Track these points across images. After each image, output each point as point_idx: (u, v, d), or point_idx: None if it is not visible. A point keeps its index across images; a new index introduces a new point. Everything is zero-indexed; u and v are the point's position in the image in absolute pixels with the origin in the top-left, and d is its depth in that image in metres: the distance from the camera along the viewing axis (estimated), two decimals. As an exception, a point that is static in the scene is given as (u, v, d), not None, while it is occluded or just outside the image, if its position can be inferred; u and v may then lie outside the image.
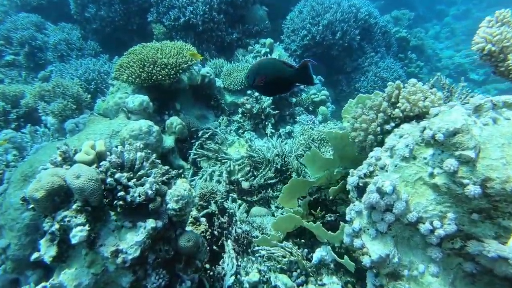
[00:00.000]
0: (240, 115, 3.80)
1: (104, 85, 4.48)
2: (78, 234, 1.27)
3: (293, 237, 2.05)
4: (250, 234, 2.23)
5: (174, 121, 2.81)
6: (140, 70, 2.86)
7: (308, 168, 1.98)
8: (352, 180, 1.24)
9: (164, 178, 1.62)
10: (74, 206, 1.30)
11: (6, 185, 2.28)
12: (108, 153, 1.61)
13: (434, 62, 10.20)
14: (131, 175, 1.48)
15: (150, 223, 1.42)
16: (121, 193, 1.37)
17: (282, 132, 3.96)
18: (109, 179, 1.37)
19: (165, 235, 1.57)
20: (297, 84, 1.51)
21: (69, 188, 1.31)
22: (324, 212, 1.98)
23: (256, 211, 2.49)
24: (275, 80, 1.48)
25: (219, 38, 5.09)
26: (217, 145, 2.82)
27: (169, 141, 2.80)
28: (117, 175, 1.38)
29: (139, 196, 1.40)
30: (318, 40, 6.37)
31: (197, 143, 2.91)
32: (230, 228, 2.35)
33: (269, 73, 1.48)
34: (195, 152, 2.80)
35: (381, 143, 1.37)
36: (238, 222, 2.33)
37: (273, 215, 2.56)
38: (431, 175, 1.10)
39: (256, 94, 3.75)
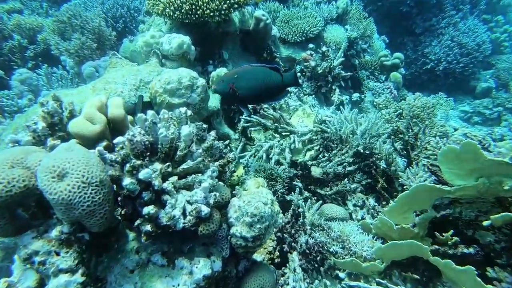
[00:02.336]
0: (298, 74, 3.00)
1: (134, 25, 3.74)
2: (59, 294, 0.60)
3: (399, 268, 1.36)
4: (325, 248, 1.55)
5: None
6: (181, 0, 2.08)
7: (444, 168, 1.22)
8: None
9: (217, 164, 0.92)
10: (55, 233, 0.63)
11: (-4, 143, 1.67)
12: (129, 118, 0.91)
13: (512, 30, 8.62)
14: (169, 169, 0.77)
15: (201, 267, 0.74)
16: (150, 210, 0.68)
17: (345, 100, 3.14)
18: (127, 181, 0.67)
19: (221, 274, 0.89)
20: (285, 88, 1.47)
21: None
22: (455, 238, 1.25)
23: (330, 210, 1.78)
24: (264, 87, 1.40)
25: (272, -24, 4.13)
26: (277, 112, 2.08)
27: (213, 100, 2.08)
28: (144, 173, 0.68)
29: (185, 215, 0.71)
30: (386, -10, 5.28)
31: (250, 107, 2.17)
32: (296, 234, 1.68)
33: (255, 80, 1.39)
34: (248, 118, 2.07)
35: None
36: (308, 227, 1.64)
37: (350, 216, 1.86)
38: None
39: (324, 48, 2.90)
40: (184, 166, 0.79)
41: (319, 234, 1.59)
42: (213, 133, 0.88)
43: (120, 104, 0.84)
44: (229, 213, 0.85)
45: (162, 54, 2.06)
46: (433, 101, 2.29)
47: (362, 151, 1.97)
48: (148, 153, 0.79)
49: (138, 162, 0.70)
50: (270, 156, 1.99)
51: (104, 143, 0.80)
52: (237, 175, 2.14)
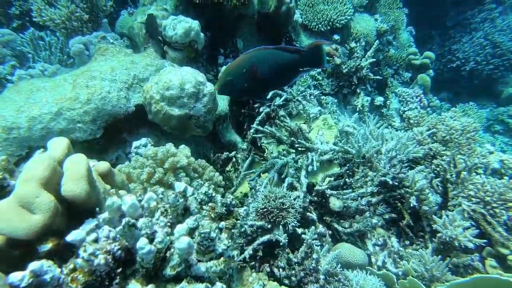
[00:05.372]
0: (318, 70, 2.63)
1: (137, -10, 3.29)
2: None
3: None
4: (341, 307, 1.29)
5: (235, 72, 1.71)
6: (193, -27, 1.69)
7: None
8: None
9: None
10: None
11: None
12: (101, 168, 0.60)
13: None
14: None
15: None
16: None
17: (364, 103, 2.78)
18: None
19: None
20: (303, 69, 1.31)
21: None
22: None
23: (349, 253, 1.52)
24: (275, 72, 1.27)
25: None
26: (296, 124, 1.75)
27: (221, 102, 1.75)
28: None
29: None
30: (420, -27, 4.77)
31: (263, 111, 1.84)
32: (305, 278, 1.41)
33: (266, 66, 1.25)
34: (261, 128, 1.74)
35: None
36: (322, 276, 1.37)
37: (369, 258, 1.59)
38: None
39: (353, 44, 2.52)
40: (175, 293, 0.49)
41: (335, 289, 1.33)
42: (225, 240, 0.57)
43: (82, 174, 0.52)
44: None
45: (165, 40, 1.69)
46: (475, 124, 1.96)
47: (390, 182, 1.67)
48: (119, 270, 0.48)
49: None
50: (282, 176, 1.69)
51: (48, 246, 0.49)
52: (241, 192, 1.86)
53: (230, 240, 0.60)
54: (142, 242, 0.48)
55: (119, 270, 0.48)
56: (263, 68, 1.27)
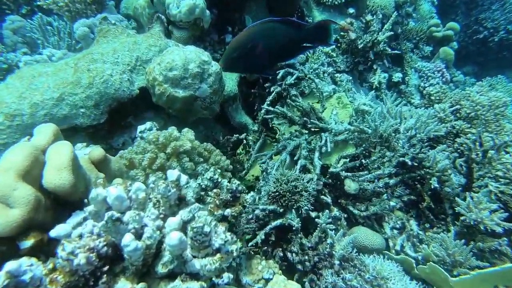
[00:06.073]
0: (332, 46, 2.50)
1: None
2: None
3: None
4: (358, 294, 1.24)
5: (243, 50, 1.63)
6: None
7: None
8: None
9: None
10: None
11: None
12: (95, 155, 0.56)
13: None
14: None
15: None
16: None
17: (381, 80, 2.63)
18: None
19: None
20: (307, 45, 1.33)
21: None
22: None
23: (365, 238, 1.46)
24: (279, 46, 1.27)
25: None
26: (309, 103, 1.66)
27: (230, 82, 1.68)
28: None
29: None
30: None
31: (274, 91, 1.76)
32: (319, 263, 1.37)
33: (271, 40, 1.24)
34: (271, 109, 1.67)
35: None
36: (337, 261, 1.32)
37: (387, 244, 1.53)
38: None
39: (369, 17, 2.36)
40: (168, 292, 0.45)
41: (350, 275, 1.28)
42: (222, 233, 0.51)
43: (64, 164, 0.48)
44: None
45: (169, 19, 1.62)
46: (504, 99, 1.81)
47: (409, 162, 1.57)
48: (106, 268, 0.44)
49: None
50: (295, 158, 1.62)
51: (30, 243, 0.45)
52: (252, 175, 1.81)
53: (229, 234, 0.55)
54: (127, 239, 0.43)
55: (105, 268, 0.44)
56: (268, 42, 1.25)
